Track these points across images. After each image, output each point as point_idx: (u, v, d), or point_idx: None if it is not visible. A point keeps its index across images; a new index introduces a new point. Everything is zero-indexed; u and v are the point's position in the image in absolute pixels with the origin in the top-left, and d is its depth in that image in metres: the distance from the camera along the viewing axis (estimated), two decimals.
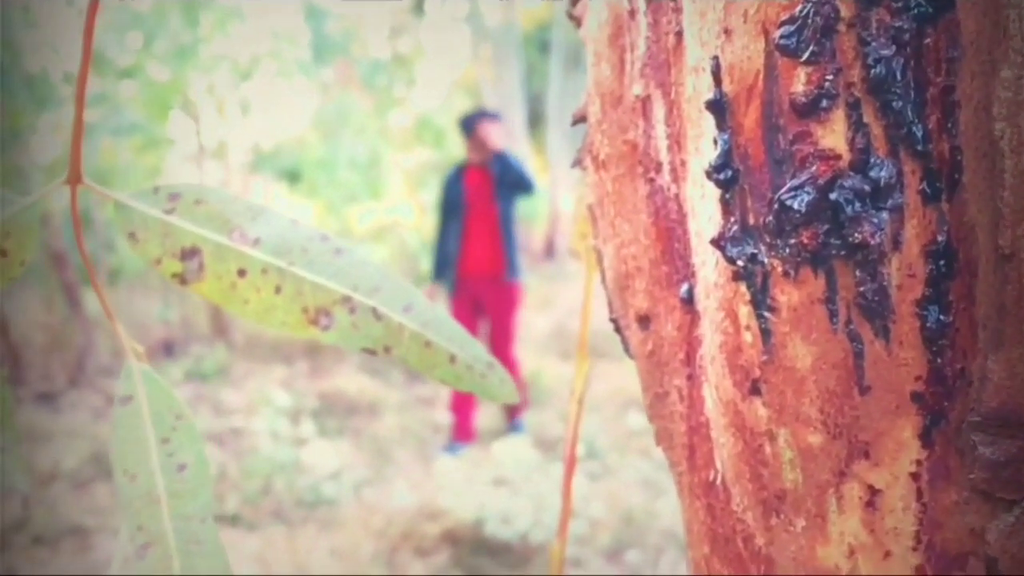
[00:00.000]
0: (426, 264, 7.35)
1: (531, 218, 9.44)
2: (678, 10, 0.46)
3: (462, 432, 4.58)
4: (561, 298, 7.73)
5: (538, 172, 10.38)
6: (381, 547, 3.42)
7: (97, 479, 3.95)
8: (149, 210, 0.49)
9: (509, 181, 4.70)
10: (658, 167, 0.48)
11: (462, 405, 4.58)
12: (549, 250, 9.72)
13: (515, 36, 10.70)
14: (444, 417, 5.01)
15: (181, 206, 0.49)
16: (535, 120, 11.21)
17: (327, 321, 0.49)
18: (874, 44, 0.38)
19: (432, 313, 0.50)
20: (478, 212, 4.68)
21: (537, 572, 3.30)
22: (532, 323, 7.03)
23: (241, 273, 0.49)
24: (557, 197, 9.83)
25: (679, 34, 0.45)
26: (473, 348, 0.50)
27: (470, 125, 4.81)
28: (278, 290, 0.48)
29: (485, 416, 4.98)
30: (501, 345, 4.65)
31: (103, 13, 5.18)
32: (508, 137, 4.93)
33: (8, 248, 0.46)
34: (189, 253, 0.49)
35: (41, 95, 4.67)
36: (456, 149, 8.31)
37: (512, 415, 4.78)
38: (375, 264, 0.50)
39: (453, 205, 4.71)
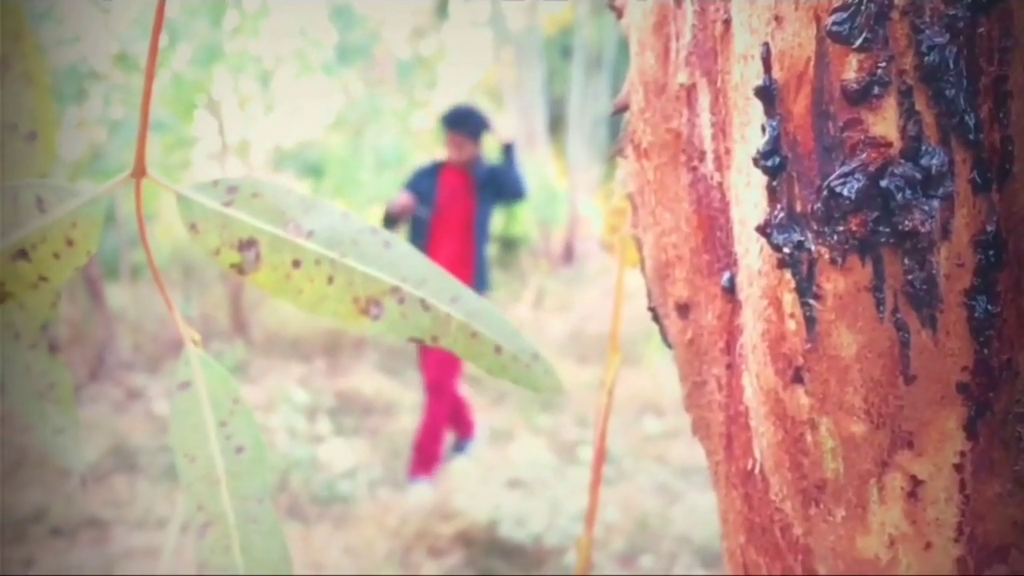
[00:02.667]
0: None
1: (550, 221, 9.44)
2: None
3: (423, 465, 4.10)
4: (579, 302, 7.72)
5: (558, 176, 10.38)
6: (395, 546, 3.43)
7: (116, 472, 3.98)
8: (209, 203, 0.50)
9: (496, 187, 4.29)
10: (701, 155, 0.49)
11: (429, 440, 4.12)
12: (568, 254, 9.72)
13: (537, 39, 10.72)
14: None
15: (239, 199, 0.50)
16: (556, 124, 11.22)
17: (377, 311, 0.50)
18: (927, 32, 0.38)
19: (478, 304, 0.51)
20: (448, 217, 4.22)
21: (552, 574, 3.29)
22: (550, 326, 7.03)
23: (296, 264, 0.50)
24: (576, 201, 9.82)
25: (727, 22, 0.45)
26: (518, 340, 0.51)
27: (454, 123, 4.30)
28: (330, 280, 0.50)
29: (500, 416, 4.99)
30: (439, 371, 4.16)
31: (128, 12, 5.21)
32: (501, 136, 4.38)
33: (75, 238, 0.48)
34: (247, 244, 0.50)
35: (67, 91, 4.71)
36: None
37: (462, 435, 4.43)
38: (422, 257, 0.51)
39: (421, 204, 4.21)
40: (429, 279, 0.50)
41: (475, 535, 3.48)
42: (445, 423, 4.24)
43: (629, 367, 5.50)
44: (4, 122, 0.53)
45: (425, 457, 4.13)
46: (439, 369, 4.18)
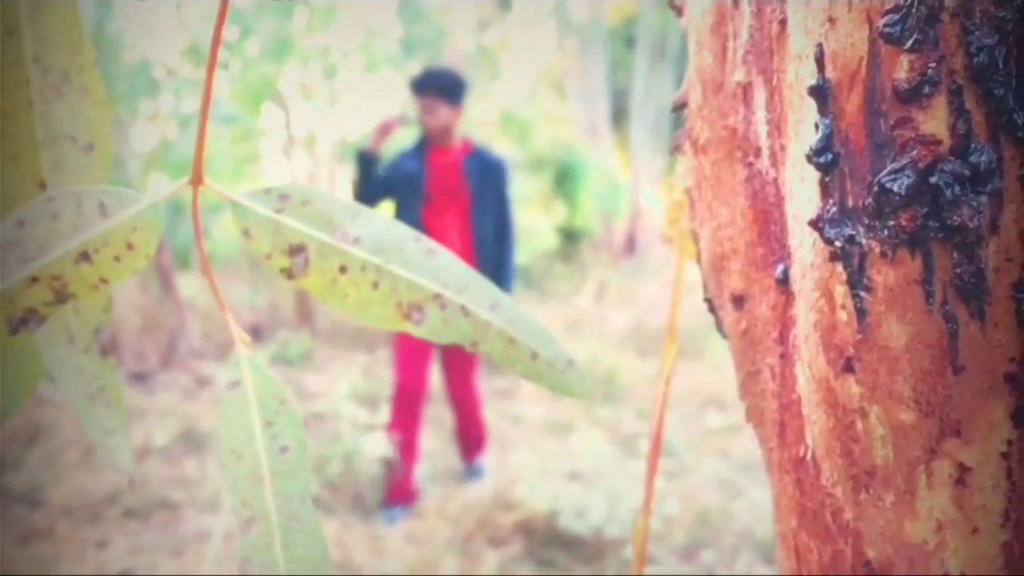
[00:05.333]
0: None
1: (612, 213, 9.41)
2: None
3: (401, 492, 3.71)
4: (641, 294, 7.69)
5: (621, 167, 10.33)
6: (456, 534, 3.48)
7: (186, 455, 4.09)
8: (262, 209, 0.53)
9: (488, 179, 3.65)
10: (757, 151, 0.50)
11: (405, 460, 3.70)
12: (630, 246, 9.68)
13: (600, 30, 10.68)
14: (522, 409, 5.05)
15: (290, 206, 0.53)
16: (619, 115, 11.17)
17: (419, 316, 0.52)
18: (977, 33, 0.39)
19: (516, 312, 0.53)
20: (439, 206, 3.61)
21: (610, 567, 3.31)
22: (611, 319, 7.02)
23: (343, 270, 0.52)
24: (639, 192, 9.78)
25: (783, 22, 0.47)
26: (554, 346, 0.54)
27: (421, 85, 3.64)
28: (375, 286, 0.52)
29: (559, 410, 5.01)
30: (462, 381, 3.85)
31: (200, 7, 5.31)
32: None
33: (135, 242, 0.50)
34: (296, 250, 0.52)
35: (139, 86, 4.83)
36: (540, 143, 8.32)
37: (470, 455, 4.01)
38: (463, 265, 0.53)
39: (407, 191, 3.58)
40: (470, 286, 0.53)
41: (535, 526, 3.51)
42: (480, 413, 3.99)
43: (691, 360, 5.47)
44: (64, 133, 0.54)
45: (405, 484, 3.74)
46: (462, 379, 3.88)
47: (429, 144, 3.64)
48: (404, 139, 4.22)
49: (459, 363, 3.80)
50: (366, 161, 3.64)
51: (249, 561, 0.49)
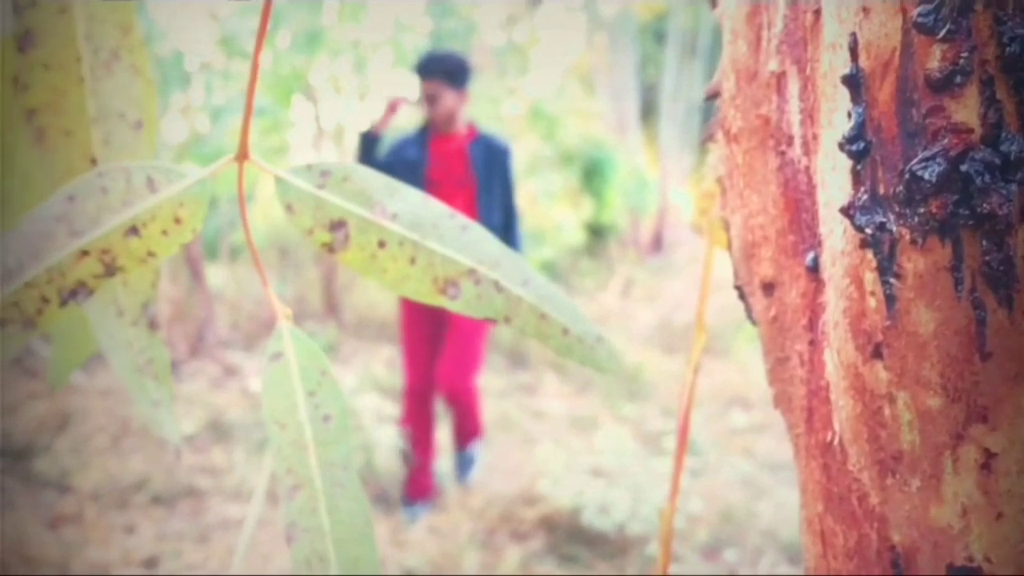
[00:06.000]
0: (535, 251, 7.39)
1: (639, 210, 9.39)
2: None
3: (419, 487, 3.65)
4: (668, 291, 7.68)
5: (649, 163, 10.30)
6: (478, 528, 3.49)
7: (213, 444, 4.14)
8: (304, 185, 0.54)
9: (494, 166, 3.48)
10: (789, 140, 0.51)
11: (420, 453, 3.63)
12: (657, 243, 9.66)
13: (631, 25, 10.65)
14: (546, 404, 5.06)
15: (331, 182, 0.54)
16: (648, 110, 11.14)
17: (454, 291, 0.54)
18: (1009, 24, 0.39)
19: (547, 289, 0.55)
20: (446, 195, 3.34)
21: (632, 564, 3.31)
22: (637, 316, 7.02)
23: (381, 244, 0.54)
24: (667, 189, 9.75)
25: (817, 12, 0.48)
26: (584, 323, 0.55)
27: (425, 69, 3.45)
28: (412, 261, 0.54)
29: (585, 404, 5.01)
30: (458, 371, 3.59)
31: (231, 2, 5.32)
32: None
33: (182, 216, 0.52)
34: (337, 225, 0.54)
35: (172, 78, 4.88)
36: (569, 138, 8.31)
37: (462, 444, 3.82)
38: (496, 241, 0.54)
39: (407, 179, 3.27)
40: (503, 262, 0.54)
41: (558, 521, 3.52)
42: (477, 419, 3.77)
43: (717, 359, 5.46)
44: (114, 111, 0.56)
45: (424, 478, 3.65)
46: (462, 373, 3.61)
47: (432, 131, 3.48)
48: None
49: (460, 361, 3.60)
50: (369, 141, 3.51)
51: (295, 525, 0.51)
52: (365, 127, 3.62)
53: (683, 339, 6.17)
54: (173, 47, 4.94)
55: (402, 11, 6.55)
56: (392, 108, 3.53)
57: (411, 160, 3.42)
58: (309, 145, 6.54)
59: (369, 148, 3.49)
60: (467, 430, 3.77)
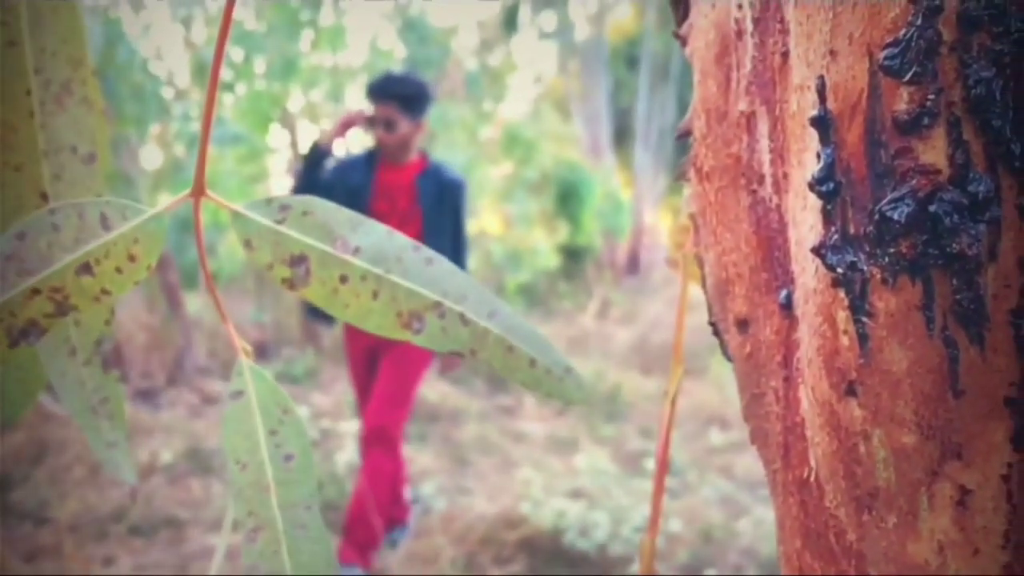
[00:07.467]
0: (512, 276, 7.40)
1: (615, 232, 9.44)
2: (784, 32, 0.48)
3: (357, 552, 3.17)
4: (644, 312, 7.71)
5: (623, 186, 10.36)
6: (459, 552, 3.47)
7: (192, 474, 4.10)
8: (263, 220, 0.53)
9: (443, 201, 3.15)
10: (760, 179, 0.51)
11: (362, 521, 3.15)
12: (633, 264, 9.70)
13: (603, 50, 10.74)
14: (526, 427, 5.05)
15: (291, 217, 0.53)
16: (621, 134, 11.22)
17: (419, 325, 0.53)
18: (975, 66, 0.40)
19: (514, 320, 0.54)
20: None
21: None
22: (615, 337, 7.03)
23: (343, 279, 0.53)
24: (642, 211, 9.81)
25: (785, 54, 0.48)
26: (552, 354, 0.54)
27: (380, 91, 3.11)
28: (375, 295, 0.53)
29: (564, 426, 5.01)
30: (381, 409, 3.16)
31: (208, 28, 5.35)
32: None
33: (137, 254, 0.51)
34: (297, 260, 0.53)
35: (149, 107, 4.87)
36: (544, 162, 8.35)
37: (392, 524, 3.39)
38: (462, 273, 0.54)
39: (347, 206, 2.86)
40: (468, 295, 0.53)
41: (540, 543, 3.51)
42: (392, 484, 3.29)
43: (694, 379, 5.47)
44: (66, 144, 0.55)
45: (364, 535, 3.15)
46: (387, 411, 3.19)
47: (381, 158, 3.16)
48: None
49: (385, 398, 3.18)
50: (316, 155, 3.18)
51: (256, 567, 0.50)
52: (314, 137, 3.41)
53: (660, 359, 6.19)
54: (151, 74, 4.93)
55: (378, 37, 6.58)
56: (347, 123, 3.21)
57: (354, 186, 3.10)
58: (287, 172, 6.54)
59: (315, 163, 3.19)
60: (383, 499, 3.24)
